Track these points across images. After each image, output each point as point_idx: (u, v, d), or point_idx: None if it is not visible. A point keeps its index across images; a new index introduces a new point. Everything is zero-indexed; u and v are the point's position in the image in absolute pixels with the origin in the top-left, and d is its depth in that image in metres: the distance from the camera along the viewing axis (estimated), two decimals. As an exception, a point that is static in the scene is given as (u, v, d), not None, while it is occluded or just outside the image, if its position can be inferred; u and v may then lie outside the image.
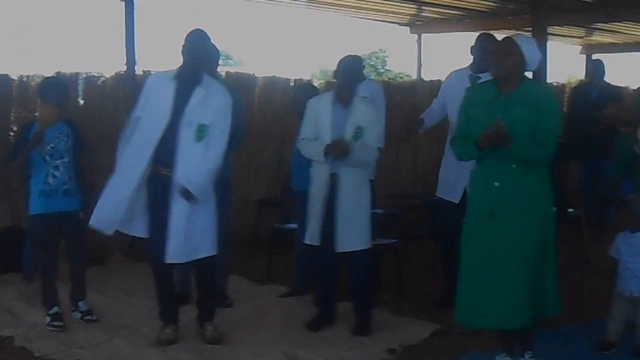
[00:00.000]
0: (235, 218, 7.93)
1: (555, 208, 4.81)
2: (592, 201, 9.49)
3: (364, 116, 5.78)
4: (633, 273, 5.23)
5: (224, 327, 5.81)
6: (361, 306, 5.93)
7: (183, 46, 5.47)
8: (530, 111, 4.57)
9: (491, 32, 6.72)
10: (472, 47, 6.45)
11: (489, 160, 4.70)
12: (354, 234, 5.78)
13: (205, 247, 5.53)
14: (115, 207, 5.42)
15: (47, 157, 5.97)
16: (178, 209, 5.36)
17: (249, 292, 7.03)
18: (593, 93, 9.59)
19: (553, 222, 4.76)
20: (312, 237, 5.88)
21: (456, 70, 6.65)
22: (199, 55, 5.44)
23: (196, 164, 5.32)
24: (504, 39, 4.83)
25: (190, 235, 5.41)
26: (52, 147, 5.97)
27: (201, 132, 5.36)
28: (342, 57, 5.96)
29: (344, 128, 5.74)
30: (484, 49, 6.20)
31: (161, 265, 5.59)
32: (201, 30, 5.52)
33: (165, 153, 5.35)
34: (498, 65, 4.69)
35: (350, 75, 5.87)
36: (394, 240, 6.98)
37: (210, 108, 5.39)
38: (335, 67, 6.01)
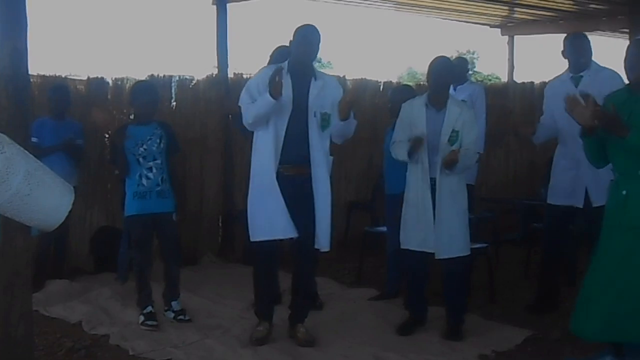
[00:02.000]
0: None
1: None
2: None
3: (458, 119, 5.70)
4: None
5: (315, 329, 5.81)
6: (454, 311, 5.87)
7: (292, 40, 5.50)
8: None
9: (585, 33, 6.54)
10: (563, 51, 6.31)
11: (618, 168, 4.61)
12: (452, 241, 5.71)
13: (326, 239, 5.63)
14: (275, 215, 5.48)
15: (141, 159, 6.06)
16: (322, 201, 5.52)
17: (339, 294, 7.03)
18: None
19: None
20: (409, 241, 5.82)
21: (555, 78, 6.50)
22: (309, 49, 5.46)
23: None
24: (638, 41, 4.70)
25: (325, 226, 5.58)
26: (144, 149, 6.07)
27: (324, 120, 5.50)
28: (432, 59, 5.86)
29: (439, 132, 5.68)
30: (579, 48, 6.16)
31: (267, 263, 5.68)
32: (311, 25, 5.52)
33: (295, 151, 5.46)
34: (635, 68, 4.57)
35: (442, 77, 5.77)
36: (486, 245, 6.88)
37: (328, 98, 5.49)
38: (426, 70, 5.92)
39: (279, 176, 5.45)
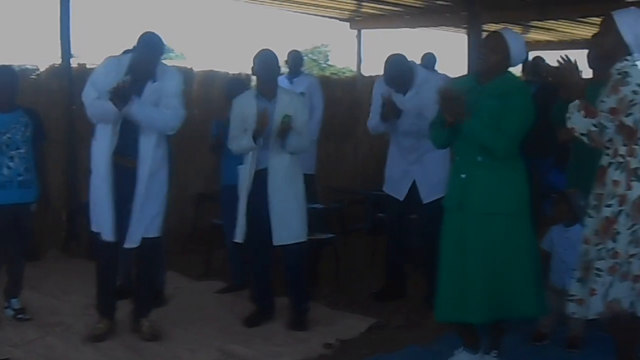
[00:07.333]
0: (173, 213, 7.82)
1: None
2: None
3: (289, 105, 5.78)
4: (567, 266, 5.11)
5: (160, 323, 5.75)
6: (297, 300, 5.92)
7: (135, 45, 5.45)
8: (498, 103, 4.57)
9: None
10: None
11: (459, 153, 4.75)
12: (288, 228, 5.75)
13: (154, 228, 5.55)
14: (103, 216, 5.47)
15: (4, 147, 5.82)
16: (140, 195, 5.40)
17: (186, 288, 6.98)
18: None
19: (526, 220, 4.71)
20: (240, 235, 5.85)
21: None
22: (152, 52, 5.44)
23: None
24: (493, 34, 4.80)
25: (145, 216, 5.46)
26: (8, 138, 5.83)
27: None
28: (256, 53, 5.90)
29: (272, 119, 5.71)
30: None
31: (107, 257, 5.60)
32: (153, 34, 5.49)
33: (127, 143, 5.39)
34: (484, 61, 4.71)
35: (269, 68, 5.84)
36: (332, 235, 6.97)
37: (164, 91, 5.46)
38: (251, 63, 5.95)
39: (113, 167, 5.41)
